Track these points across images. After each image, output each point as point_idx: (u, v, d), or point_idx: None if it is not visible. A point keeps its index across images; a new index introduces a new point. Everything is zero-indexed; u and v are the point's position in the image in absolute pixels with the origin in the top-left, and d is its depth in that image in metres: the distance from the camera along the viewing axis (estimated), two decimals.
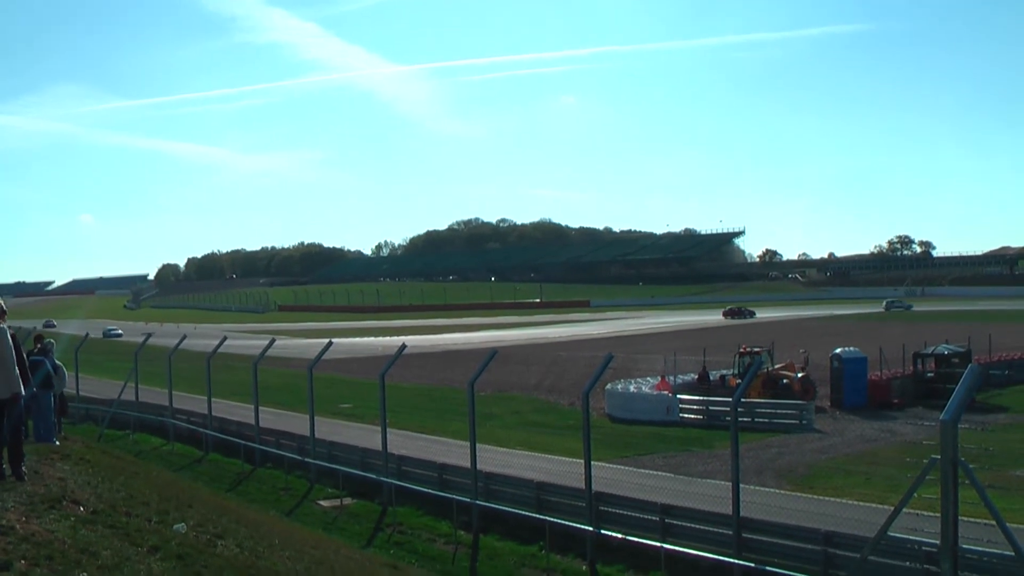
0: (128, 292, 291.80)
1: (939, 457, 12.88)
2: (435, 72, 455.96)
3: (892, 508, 14.26)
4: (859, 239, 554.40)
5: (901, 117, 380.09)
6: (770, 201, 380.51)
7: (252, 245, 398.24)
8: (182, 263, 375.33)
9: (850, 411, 41.06)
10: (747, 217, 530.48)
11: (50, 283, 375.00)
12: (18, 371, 13.04)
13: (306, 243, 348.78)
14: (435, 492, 25.49)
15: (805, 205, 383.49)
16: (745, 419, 34.73)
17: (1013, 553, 12.81)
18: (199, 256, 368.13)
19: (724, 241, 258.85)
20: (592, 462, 21.30)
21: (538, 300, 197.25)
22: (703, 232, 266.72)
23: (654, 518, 20.80)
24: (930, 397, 41.46)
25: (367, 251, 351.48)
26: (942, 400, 14.14)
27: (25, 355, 14.24)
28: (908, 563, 16.15)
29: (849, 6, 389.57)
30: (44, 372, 19.22)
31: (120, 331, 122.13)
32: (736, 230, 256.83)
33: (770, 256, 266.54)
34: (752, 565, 17.86)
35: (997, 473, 25.53)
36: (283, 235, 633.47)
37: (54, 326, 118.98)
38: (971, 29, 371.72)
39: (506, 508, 23.58)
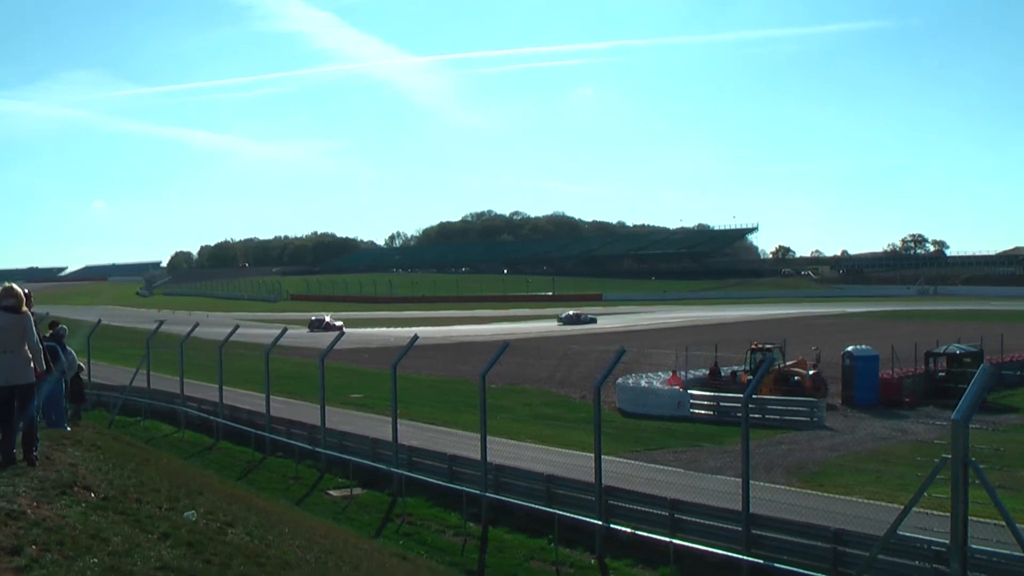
0: (141, 279, 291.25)
1: (950, 457, 12.86)
2: (451, 64, 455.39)
3: (902, 507, 14.24)
4: (872, 237, 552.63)
5: (916, 115, 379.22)
6: (784, 198, 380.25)
7: (265, 234, 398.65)
8: (195, 251, 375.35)
9: (861, 409, 41.01)
10: (760, 213, 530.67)
11: (63, 269, 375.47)
12: (32, 356, 13.08)
13: (319, 233, 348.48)
14: (445, 483, 25.56)
15: (819, 202, 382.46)
16: (756, 415, 34.68)
17: (1022, 554, 12.81)
18: (212, 244, 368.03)
19: (737, 237, 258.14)
20: (603, 456, 21.35)
21: (550, 293, 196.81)
22: (716, 228, 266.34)
23: (663, 513, 20.84)
24: (941, 396, 41.41)
25: (380, 242, 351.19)
26: (953, 400, 14.12)
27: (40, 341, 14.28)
28: (917, 562, 16.15)
29: (866, 3, 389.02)
30: (59, 359, 19.27)
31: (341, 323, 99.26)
32: (749, 226, 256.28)
33: (783, 253, 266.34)
34: (761, 562, 17.89)
35: (1007, 473, 25.44)
36: (296, 224, 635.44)
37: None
38: (987, 27, 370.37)
39: (516, 501, 23.61)
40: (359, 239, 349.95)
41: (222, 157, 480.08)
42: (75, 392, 24.86)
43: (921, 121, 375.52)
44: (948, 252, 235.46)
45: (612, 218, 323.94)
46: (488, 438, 24.16)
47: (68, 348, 21.67)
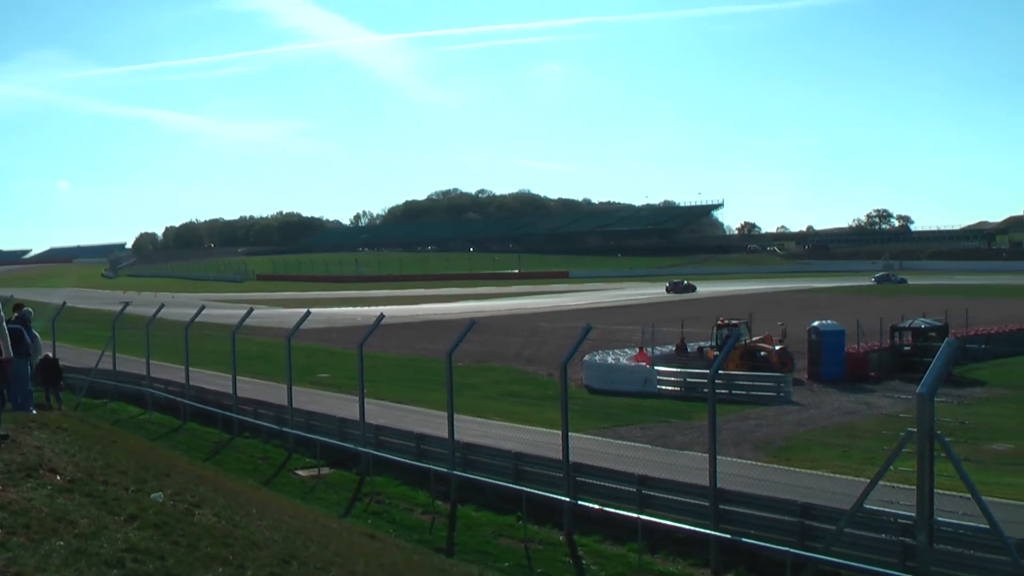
0: (106, 261, 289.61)
1: (915, 430, 12.96)
2: (416, 41, 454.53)
3: (869, 480, 14.36)
4: (838, 213, 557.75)
5: (881, 91, 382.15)
6: (749, 174, 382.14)
7: (230, 214, 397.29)
8: (160, 232, 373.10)
9: (828, 384, 41.31)
10: (726, 189, 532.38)
11: (27, 251, 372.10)
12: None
13: (285, 212, 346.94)
14: (413, 462, 25.55)
15: (784, 178, 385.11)
16: (723, 391, 34.79)
17: (988, 526, 12.93)
18: (177, 225, 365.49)
19: (703, 213, 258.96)
20: (570, 433, 21.37)
21: (517, 271, 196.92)
22: (682, 204, 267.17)
23: (631, 489, 20.88)
24: (907, 370, 41.53)
25: (346, 221, 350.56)
26: (919, 373, 14.19)
27: (5, 325, 14.20)
28: (884, 535, 16.25)
29: None
30: (24, 342, 19.19)
31: None
32: (715, 202, 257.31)
33: (749, 229, 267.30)
34: (729, 536, 17.96)
35: (973, 447, 25.66)
36: (262, 204, 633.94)
37: None
38: (951, 3, 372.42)
39: (484, 478, 23.68)
40: (325, 219, 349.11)
41: (187, 137, 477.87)
42: (51, 376, 24.70)
43: (886, 97, 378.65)
44: (913, 227, 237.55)
45: (578, 195, 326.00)
46: (456, 416, 24.24)
47: (34, 332, 21.56)
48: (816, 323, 45.04)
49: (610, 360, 45.13)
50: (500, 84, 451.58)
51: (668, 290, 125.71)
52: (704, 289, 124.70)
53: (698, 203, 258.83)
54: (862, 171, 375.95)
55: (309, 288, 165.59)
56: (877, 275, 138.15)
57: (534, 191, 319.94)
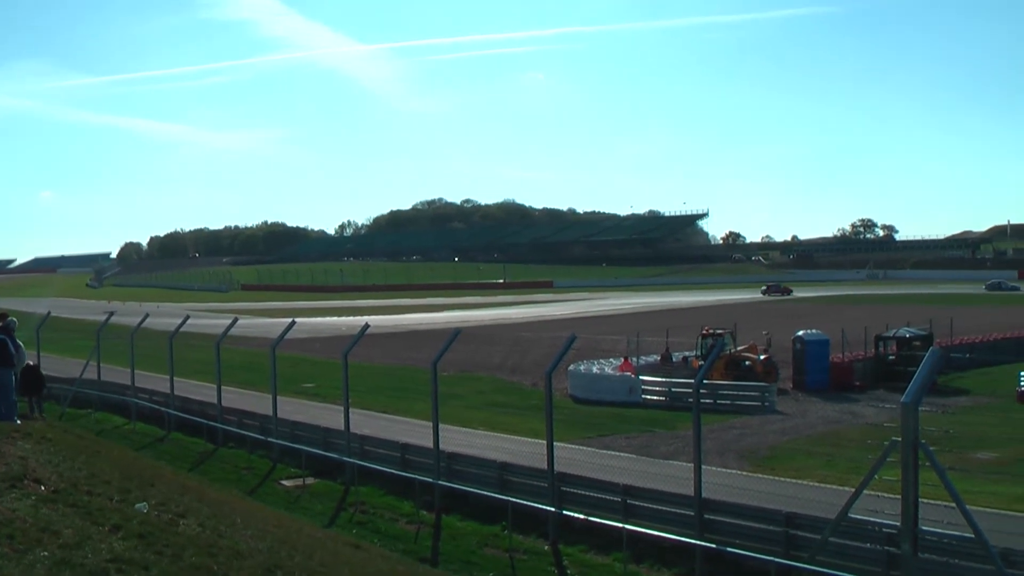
0: (90, 270, 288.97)
1: (900, 439, 12.98)
2: (400, 51, 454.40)
3: (853, 490, 14.37)
4: (822, 222, 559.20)
5: (865, 101, 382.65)
6: (734, 183, 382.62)
7: (215, 224, 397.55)
8: (145, 241, 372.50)
9: (812, 393, 41.27)
10: (711, 199, 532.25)
11: (12, 261, 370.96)
12: None
13: (270, 222, 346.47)
14: (398, 472, 25.53)
15: (768, 187, 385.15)
16: (707, 401, 34.81)
17: (972, 535, 12.95)
18: (162, 234, 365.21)
19: (688, 223, 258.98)
20: (555, 443, 21.36)
21: (502, 280, 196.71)
22: (667, 214, 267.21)
23: (616, 499, 20.90)
24: (892, 379, 41.63)
25: (331, 230, 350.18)
26: (904, 383, 14.23)
27: None
28: (869, 544, 16.29)
29: None
30: (8, 352, 19.15)
31: None
32: (700, 212, 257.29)
33: (733, 238, 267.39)
34: (714, 546, 17.99)
35: (958, 455, 25.69)
36: (246, 214, 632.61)
37: None
38: (936, 12, 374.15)
39: (469, 488, 23.66)
40: (310, 228, 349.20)
41: (171, 146, 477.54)
42: (35, 384, 24.57)
43: (870, 106, 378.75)
44: (897, 236, 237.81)
45: (563, 205, 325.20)
46: (440, 426, 24.22)
47: (18, 341, 21.47)
48: (801, 332, 45.05)
49: (595, 370, 45.08)
50: (484, 93, 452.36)
51: (764, 292, 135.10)
52: (688, 299, 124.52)
53: (683, 213, 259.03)
54: (846, 181, 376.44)
55: (294, 298, 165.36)
56: (988, 283, 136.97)
57: (519, 200, 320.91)
